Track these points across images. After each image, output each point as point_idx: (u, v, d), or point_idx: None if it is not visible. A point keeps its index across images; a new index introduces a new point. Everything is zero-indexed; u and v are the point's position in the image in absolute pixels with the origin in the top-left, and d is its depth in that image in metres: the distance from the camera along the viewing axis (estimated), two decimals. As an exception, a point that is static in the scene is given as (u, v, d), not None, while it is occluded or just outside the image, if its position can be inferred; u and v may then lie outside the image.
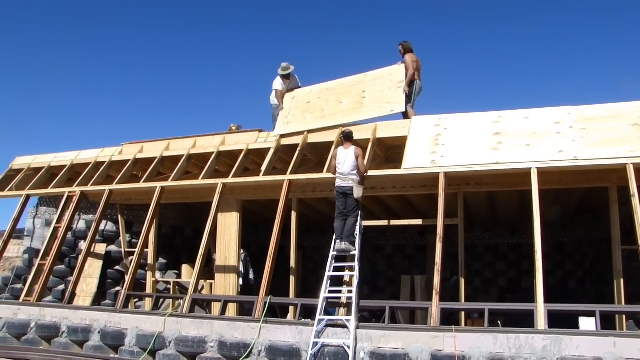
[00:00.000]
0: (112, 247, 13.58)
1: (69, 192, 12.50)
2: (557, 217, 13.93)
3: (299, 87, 12.39)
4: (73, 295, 11.12)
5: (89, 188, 12.48)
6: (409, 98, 11.04)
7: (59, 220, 12.27)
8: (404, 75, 10.86)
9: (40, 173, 13.63)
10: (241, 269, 11.73)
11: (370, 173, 9.66)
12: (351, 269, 9.07)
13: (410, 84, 11.02)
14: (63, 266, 13.22)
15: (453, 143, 9.70)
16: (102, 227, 13.31)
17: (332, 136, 10.70)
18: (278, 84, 12.31)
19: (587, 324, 7.74)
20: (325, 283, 8.89)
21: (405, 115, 11.00)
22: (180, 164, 11.95)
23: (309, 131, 11.10)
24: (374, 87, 10.99)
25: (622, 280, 8.76)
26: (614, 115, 9.33)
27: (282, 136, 11.36)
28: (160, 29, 58.37)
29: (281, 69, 12.24)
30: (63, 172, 13.35)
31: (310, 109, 11.40)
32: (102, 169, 12.88)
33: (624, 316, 8.83)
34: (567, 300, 9.34)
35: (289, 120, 11.41)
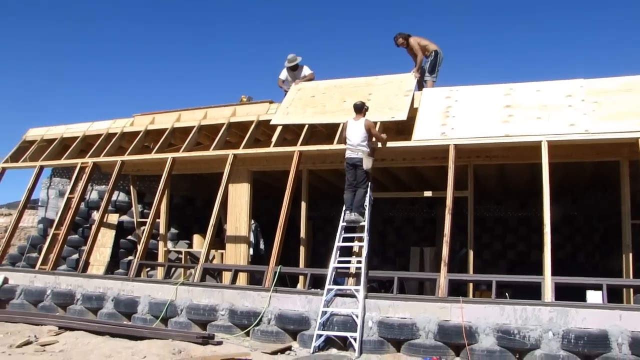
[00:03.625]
0: (125, 217, 13.76)
1: (82, 163, 12.62)
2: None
3: (306, 77, 12.24)
4: (87, 264, 11.30)
5: (101, 159, 12.59)
6: (432, 71, 11.13)
7: (72, 191, 12.42)
8: (414, 85, 10.75)
9: (53, 144, 13.74)
10: (251, 239, 11.84)
11: (381, 145, 9.68)
12: (360, 239, 9.14)
13: (435, 55, 11.12)
14: (77, 236, 13.45)
15: (463, 115, 9.68)
16: (114, 197, 13.47)
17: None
18: (283, 75, 12.32)
19: (594, 297, 7.77)
20: (335, 253, 8.99)
21: (421, 87, 11.01)
22: (191, 135, 12.00)
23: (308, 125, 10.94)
24: (382, 91, 10.78)
25: (630, 255, 8.78)
26: (627, 88, 9.24)
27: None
28: (171, -1, 58.06)
29: (287, 61, 12.18)
30: (75, 143, 13.45)
31: (312, 103, 11.23)
32: (114, 140, 12.97)
33: (631, 290, 8.86)
34: (576, 273, 9.37)
35: (289, 111, 11.25)
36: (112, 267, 12.93)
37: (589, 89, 9.40)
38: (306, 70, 12.29)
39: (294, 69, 12.25)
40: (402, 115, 9.98)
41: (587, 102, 9.13)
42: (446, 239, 8.59)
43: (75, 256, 13.03)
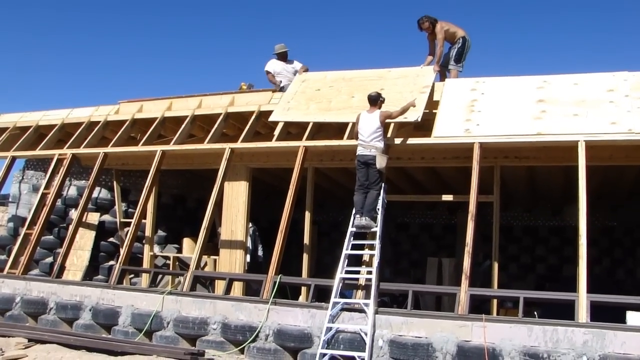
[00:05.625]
0: (106, 217, 13.78)
1: (59, 155, 12.64)
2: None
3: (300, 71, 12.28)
4: (62, 268, 11.31)
5: (82, 150, 12.61)
6: (458, 59, 11.10)
7: (47, 186, 12.43)
8: (432, 80, 10.66)
9: (28, 133, 13.76)
10: (249, 244, 11.86)
11: (397, 141, 9.69)
12: (371, 247, 9.13)
13: (463, 42, 11.10)
14: (52, 236, 13.49)
15: (491, 110, 9.67)
16: (95, 194, 13.48)
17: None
18: (271, 66, 12.34)
19: (635, 318, 7.74)
20: (342, 262, 8.98)
21: (443, 78, 10.99)
22: (183, 125, 12.01)
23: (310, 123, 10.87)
24: (395, 86, 10.66)
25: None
26: (679, 83, 9.21)
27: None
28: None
29: (277, 48, 12.32)
30: (53, 132, 13.48)
31: (316, 98, 11.15)
32: (96, 129, 12.98)
33: (678, 311, 8.82)
34: (614, 291, 9.33)
35: (291, 106, 11.18)
36: (91, 272, 12.93)
37: (635, 82, 9.37)
38: (297, 64, 12.36)
39: (284, 59, 12.33)
40: (417, 116, 9.82)
41: (632, 98, 9.10)
42: (468, 249, 8.57)
43: (50, 259, 13.08)
